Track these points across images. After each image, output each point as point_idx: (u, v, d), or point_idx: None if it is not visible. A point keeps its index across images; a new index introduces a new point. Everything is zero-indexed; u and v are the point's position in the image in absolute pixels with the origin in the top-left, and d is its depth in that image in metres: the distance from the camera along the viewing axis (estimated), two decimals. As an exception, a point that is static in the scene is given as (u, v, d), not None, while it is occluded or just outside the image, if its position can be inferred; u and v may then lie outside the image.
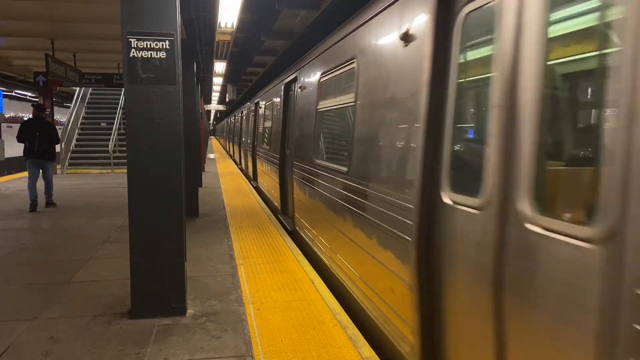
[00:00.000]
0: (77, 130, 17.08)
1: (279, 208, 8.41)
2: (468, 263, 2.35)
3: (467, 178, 2.44)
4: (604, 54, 1.77)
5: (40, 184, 8.78)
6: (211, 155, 25.29)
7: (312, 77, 6.01)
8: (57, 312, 3.90)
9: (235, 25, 9.10)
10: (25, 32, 9.87)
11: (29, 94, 25.72)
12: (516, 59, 2.07)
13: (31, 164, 8.59)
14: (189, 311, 3.90)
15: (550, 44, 1.96)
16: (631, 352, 1.50)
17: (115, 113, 17.11)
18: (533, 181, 1.94)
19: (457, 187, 2.53)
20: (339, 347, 3.30)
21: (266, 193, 10.35)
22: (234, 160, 22.21)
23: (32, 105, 9.31)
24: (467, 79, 2.64)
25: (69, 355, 3.19)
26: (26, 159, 8.58)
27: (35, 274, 4.95)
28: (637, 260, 1.49)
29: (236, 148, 20.95)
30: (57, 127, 9.87)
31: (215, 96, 32.34)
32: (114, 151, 15.57)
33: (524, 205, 1.97)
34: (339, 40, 4.71)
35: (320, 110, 5.54)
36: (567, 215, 1.90)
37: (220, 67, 16.71)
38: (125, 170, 3.76)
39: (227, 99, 35.09)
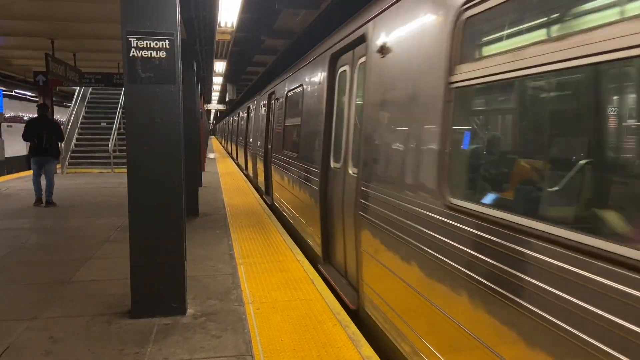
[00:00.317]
0: (77, 130, 17.06)
1: (321, 254, 5.25)
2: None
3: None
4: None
5: (42, 183, 8.97)
6: (211, 155, 25.28)
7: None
8: (57, 312, 3.90)
9: (235, 24, 9.11)
10: (25, 31, 9.87)
11: (29, 93, 25.71)
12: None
13: (36, 162, 8.90)
14: (189, 311, 3.90)
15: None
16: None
17: (115, 113, 17.09)
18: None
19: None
20: (339, 346, 3.30)
21: (291, 220, 7.14)
22: (237, 164, 19.64)
23: (37, 106, 9.64)
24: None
25: (69, 354, 3.19)
26: (31, 157, 8.96)
27: (35, 274, 4.95)
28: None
29: (240, 151, 17.88)
30: (57, 126, 9.99)
31: (215, 96, 32.36)
32: (114, 151, 15.56)
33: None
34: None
35: None
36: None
37: (220, 66, 16.72)
38: (125, 170, 3.76)
39: (227, 99, 35.10)
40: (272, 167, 9.01)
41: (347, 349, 3.26)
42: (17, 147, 24.35)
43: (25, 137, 8.86)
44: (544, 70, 1.94)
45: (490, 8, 2.30)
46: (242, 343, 3.35)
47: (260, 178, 11.19)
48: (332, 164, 5.04)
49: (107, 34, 9.64)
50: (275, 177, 8.63)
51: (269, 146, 9.79)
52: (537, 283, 1.88)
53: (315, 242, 5.53)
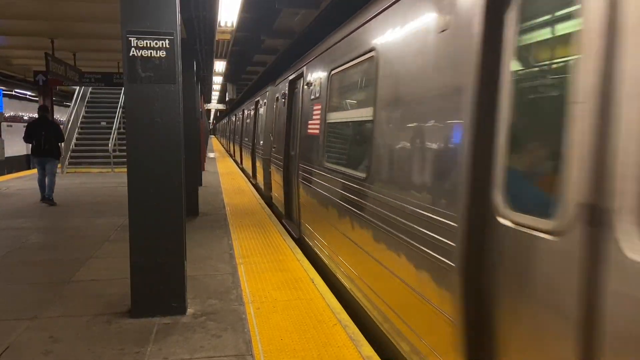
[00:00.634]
0: (77, 130, 17.07)
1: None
2: None
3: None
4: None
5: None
6: (211, 155, 25.28)
7: None
8: (57, 311, 3.90)
9: (235, 24, 9.10)
10: (25, 31, 9.86)
11: (29, 93, 25.69)
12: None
13: (38, 162, 9.19)
14: (189, 310, 3.90)
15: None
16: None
17: (115, 112, 17.09)
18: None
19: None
20: (339, 346, 3.30)
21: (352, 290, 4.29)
22: (242, 169, 16.62)
23: (38, 108, 9.97)
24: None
25: (69, 354, 3.19)
26: (33, 157, 9.27)
27: (35, 273, 4.95)
28: None
29: (246, 154, 14.97)
30: (57, 126, 10.09)
31: (215, 95, 32.36)
32: (114, 150, 15.56)
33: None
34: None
35: None
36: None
37: (220, 66, 16.71)
38: (125, 170, 3.76)
39: (227, 98, 35.08)
40: (301, 185, 6.22)
41: (347, 349, 3.26)
42: (17, 147, 24.36)
43: (26, 138, 9.10)
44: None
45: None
46: (242, 342, 3.35)
47: (277, 194, 8.50)
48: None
49: (107, 34, 9.62)
50: (307, 197, 5.89)
51: (292, 152, 7.00)
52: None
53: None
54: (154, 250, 3.75)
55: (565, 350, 1.74)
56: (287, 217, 7.66)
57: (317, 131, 5.42)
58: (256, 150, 11.78)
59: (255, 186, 11.76)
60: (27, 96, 28.01)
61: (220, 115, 54.62)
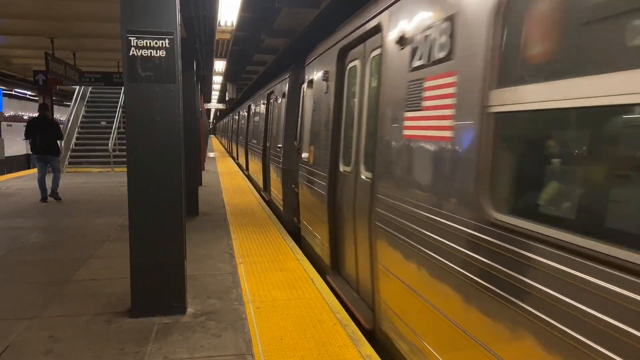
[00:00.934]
0: (76, 129, 17.07)
1: None
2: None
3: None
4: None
5: (48, 183, 9.43)
6: (211, 154, 25.28)
7: None
8: (57, 311, 3.91)
9: (235, 23, 9.11)
10: (25, 30, 9.86)
11: (29, 92, 25.69)
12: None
13: (37, 159, 9.46)
14: (189, 310, 3.91)
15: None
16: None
17: (115, 112, 17.09)
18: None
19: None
20: (339, 345, 3.31)
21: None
22: (245, 172, 15.52)
23: (39, 106, 10.33)
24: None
25: (69, 353, 3.19)
26: (33, 155, 9.57)
27: (35, 273, 4.95)
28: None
29: (253, 158, 13.05)
30: (57, 125, 10.21)
31: (215, 95, 32.34)
32: (114, 150, 15.56)
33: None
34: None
35: None
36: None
37: (220, 65, 16.69)
38: (125, 169, 3.76)
39: (227, 98, 35.07)
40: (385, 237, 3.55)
41: (347, 348, 3.27)
42: (16, 146, 24.36)
43: (25, 135, 9.43)
44: None
45: None
46: (242, 342, 3.35)
47: (313, 228, 5.67)
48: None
49: (107, 33, 9.62)
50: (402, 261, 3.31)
51: (349, 171, 4.54)
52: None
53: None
54: (154, 250, 3.76)
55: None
56: (302, 243, 5.93)
57: (442, 134, 2.58)
58: (270, 157, 9.65)
59: (269, 203, 9.64)
60: (27, 96, 28.00)
61: (221, 114, 54.63)
